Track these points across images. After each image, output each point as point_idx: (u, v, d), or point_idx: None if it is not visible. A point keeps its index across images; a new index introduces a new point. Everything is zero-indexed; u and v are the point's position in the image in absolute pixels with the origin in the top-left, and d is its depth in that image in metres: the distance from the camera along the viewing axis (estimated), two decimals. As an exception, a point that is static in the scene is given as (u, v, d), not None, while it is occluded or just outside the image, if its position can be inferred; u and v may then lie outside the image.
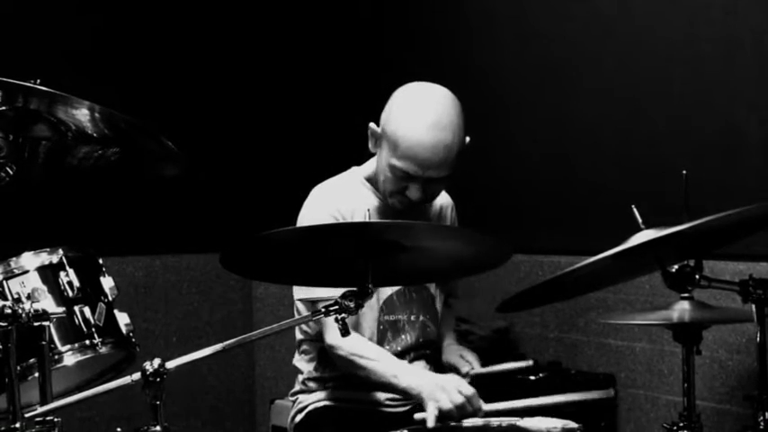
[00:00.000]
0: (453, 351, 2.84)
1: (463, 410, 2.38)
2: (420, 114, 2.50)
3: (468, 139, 2.59)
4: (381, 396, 2.67)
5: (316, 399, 2.72)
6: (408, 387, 2.50)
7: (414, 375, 2.53)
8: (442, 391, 2.41)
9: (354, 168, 2.77)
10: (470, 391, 2.41)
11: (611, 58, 3.30)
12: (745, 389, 2.85)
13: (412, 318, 2.72)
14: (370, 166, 2.71)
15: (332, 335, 2.56)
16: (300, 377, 2.79)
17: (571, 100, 3.43)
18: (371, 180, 2.69)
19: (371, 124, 2.62)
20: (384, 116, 2.60)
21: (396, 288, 2.68)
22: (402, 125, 2.51)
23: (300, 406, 2.74)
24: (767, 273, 2.34)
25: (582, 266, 1.95)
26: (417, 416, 2.39)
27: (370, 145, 2.65)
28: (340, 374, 2.68)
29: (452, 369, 2.77)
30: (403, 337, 2.70)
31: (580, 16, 3.40)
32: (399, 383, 2.53)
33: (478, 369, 2.75)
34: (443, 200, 2.83)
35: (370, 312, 2.65)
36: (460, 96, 2.59)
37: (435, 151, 2.48)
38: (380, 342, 2.67)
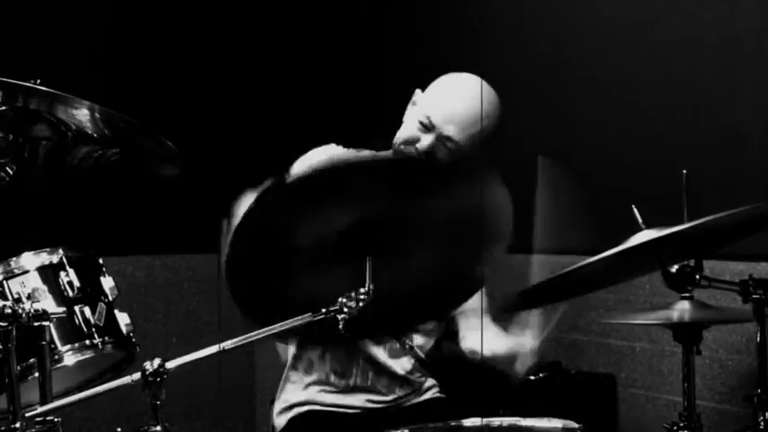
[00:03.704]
0: None
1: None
2: (460, 80, 2.57)
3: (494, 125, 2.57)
4: (362, 398, 2.67)
5: (298, 400, 2.69)
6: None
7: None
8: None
9: None
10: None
11: (611, 58, 3.30)
12: (745, 389, 2.84)
13: None
14: None
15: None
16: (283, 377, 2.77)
17: (571, 100, 3.43)
18: None
19: (418, 90, 2.65)
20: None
21: None
22: (438, 83, 2.59)
23: (284, 405, 2.72)
24: (767, 273, 2.35)
25: (582, 266, 1.95)
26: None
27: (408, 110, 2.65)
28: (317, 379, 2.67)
29: None
30: None
31: (580, 16, 3.40)
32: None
33: None
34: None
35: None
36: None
37: (456, 105, 2.51)
38: None
